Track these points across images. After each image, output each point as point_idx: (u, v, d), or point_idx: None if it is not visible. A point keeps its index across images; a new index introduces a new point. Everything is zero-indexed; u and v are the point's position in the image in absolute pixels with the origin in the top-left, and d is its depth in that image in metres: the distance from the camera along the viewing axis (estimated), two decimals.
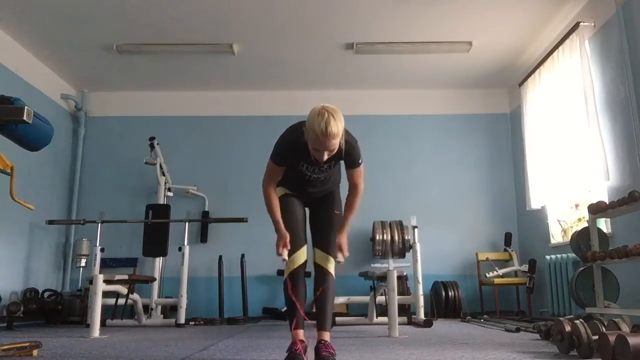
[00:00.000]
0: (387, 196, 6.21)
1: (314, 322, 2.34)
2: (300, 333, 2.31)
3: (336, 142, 2.20)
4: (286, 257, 2.36)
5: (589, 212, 3.89)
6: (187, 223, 5.12)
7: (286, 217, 2.48)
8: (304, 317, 2.33)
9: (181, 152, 6.42)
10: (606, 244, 3.99)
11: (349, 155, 2.40)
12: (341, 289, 5.16)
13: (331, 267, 2.42)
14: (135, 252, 5.83)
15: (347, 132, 2.34)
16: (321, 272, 2.41)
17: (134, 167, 6.19)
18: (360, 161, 2.45)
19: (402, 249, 5.61)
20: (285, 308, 5.68)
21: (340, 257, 2.43)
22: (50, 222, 5.16)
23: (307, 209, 2.64)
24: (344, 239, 2.46)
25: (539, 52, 5.53)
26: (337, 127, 2.16)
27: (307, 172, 2.46)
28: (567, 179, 4.76)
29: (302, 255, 2.42)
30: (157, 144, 5.72)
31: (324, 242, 2.47)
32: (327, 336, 2.31)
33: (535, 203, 5.48)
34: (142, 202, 5.94)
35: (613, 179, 4.22)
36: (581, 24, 4.55)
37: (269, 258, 6.03)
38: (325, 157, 2.23)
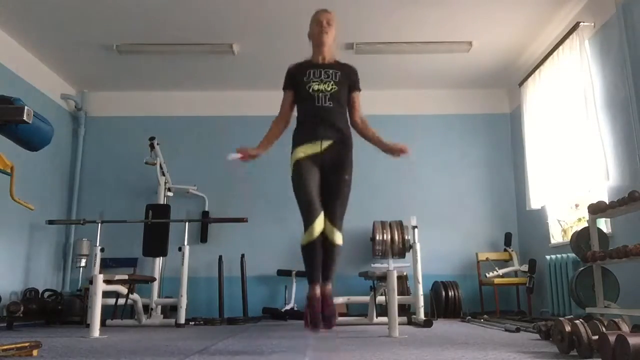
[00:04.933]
0: (387, 195, 6.21)
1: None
2: (318, 289, 2.59)
3: (331, 17, 2.77)
4: (230, 157, 2.62)
5: (589, 212, 3.89)
6: (187, 223, 5.12)
7: (301, 186, 2.59)
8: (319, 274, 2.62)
9: (181, 152, 6.42)
10: (606, 244, 4.00)
11: (352, 72, 2.81)
12: (341, 289, 5.16)
13: (337, 238, 2.60)
14: (135, 252, 5.83)
15: None
16: (329, 246, 2.59)
17: (134, 167, 6.20)
18: (360, 87, 2.85)
19: (402, 249, 5.60)
20: (284, 308, 5.71)
21: (406, 149, 2.67)
22: (50, 222, 5.16)
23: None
24: (392, 143, 2.71)
25: (539, 52, 5.53)
26: (330, 10, 2.79)
27: (315, 86, 2.65)
28: (567, 179, 4.76)
29: (319, 225, 2.54)
30: (157, 144, 5.72)
31: (332, 213, 2.60)
32: (329, 284, 2.63)
33: (535, 203, 5.48)
34: (142, 202, 5.93)
35: (613, 179, 4.22)
36: (581, 24, 4.55)
37: (269, 258, 6.07)
38: (325, 25, 2.72)
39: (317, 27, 2.74)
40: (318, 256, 2.59)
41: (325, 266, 2.62)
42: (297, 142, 2.70)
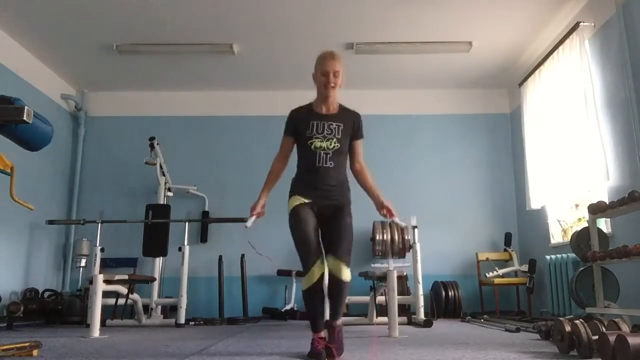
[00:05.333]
0: (387, 196, 6.19)
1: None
2: (321, 334, 2.55)
3: (339, 66, 2.59)
4: (248, 225, 2.59)
5: (589, 212, 3.89)
6: (187, 223, 5.12)
7: (299, 231, 2.56)
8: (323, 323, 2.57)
9: (181, 152, 6.42)
10: (606, 244, 4.00)
11: (356, 120, 2.73)
12: None
13: (344, 274, 2.53)
14: (135, 252, 5.82)
15: None
16: (335, 282, 2.52)
17: (134, 167, 6.19)
18: (362, 134, 2.78)
19: (402, 249, 5.60)
20: (284, 308, 5.70)
21: (398, 220, 2.70)
22: (50, 222, 5.16)
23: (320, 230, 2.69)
24: (387, 201, 2.72)
25: (539, 52, 5.53)
26: (339, 55, 2.63)
27: (318, 143, 2.60)
28: (567, 179, 4.76)
29: (318, 269, 2.50)
30: (157, 144, 5.72)
31: (335, 248, 2.55)
32: (339, 323, 2.56)
33: (535, 203, 5.48)
34: (142, 202, 5.93)
35: (613, 179, 4.22)
36: (581, 24, 4.55)
37: (269, 258, 6.05)
38: (332, 80, 2.57)
39: (324, 79, 2.60)
40: (320, 302, 2.52)
41: (334, 303, 2.55)
42: (295, 191, 2.67)
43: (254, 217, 2.63)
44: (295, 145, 2.73)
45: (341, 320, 2.61)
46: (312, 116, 2.67)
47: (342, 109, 2.75)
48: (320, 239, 2.62)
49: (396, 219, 2.70)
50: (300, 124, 2.66)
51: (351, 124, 2.71)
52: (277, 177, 2.75)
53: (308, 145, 2.62)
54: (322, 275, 2.50)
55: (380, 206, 2.74)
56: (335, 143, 2.63)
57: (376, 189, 2.78)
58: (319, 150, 2.61)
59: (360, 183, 2.81)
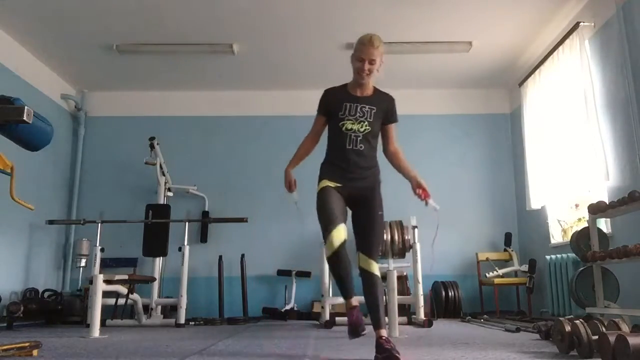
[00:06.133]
0: (387, 196, 6.19)
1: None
2: (354, 300, 2.53)
3: (377, 54, 2.55)
4: (296, 199, 2.65)
5: (589, 212, 3.89)
6: (187, 223, 5.12)
7: (324, 203, 2.53)
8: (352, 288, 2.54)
9: (181, 152, 6.42)
10: (606, 244, 4.00)
11: (389, 104, 2.76)
12: None
13: (375, 269, 2.51)
14: (135, 252, 5.82)
15: None
16: (366, 276, 2.50)
17: (134, 167, 6.19)
18: (397, 118, 2.81)
19: (402, 249, 5.59)
20: (284, 308, 5.69)
21: (432, 203, 2.74)
22: (50, 222, 5.16)
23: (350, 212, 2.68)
24: (423, 182, 2.74)
25: (539, 52, 5.53)
26: (379, 41, 2.56)
27: (349, 125, 2.59)
28: (567, 179, 4.76)
29: (341, 233, 2.46)
30: (157, 144, 5.72)
31: (366, 246, 2.54)
32: (384, 332, 2.43)
33: (535, 203, 5.48)
34: (142, 202, 5.93)
35: (613, 179, 4.22)
36: (581, 24, 4.55)
37: (269, 258, 6.06)
38: (366, 67, 2.55)
39: (359, 65, 2.59)
40: (346, 264, 2.45)
41: (373, 307, 2.46)
42: (325, 175, 2.64)
43: (295, 192, 2.67)
44: (326, 127, 2.72)
45: (386, 329, 2.46)
46: (346, 97, 2.66)
47: (377, 92, 2.73)
48: (352, 225, 2.60)
49: (431, 201, 2.73)
50: (333, 105, 2.66)
51: (384, 108, 2.72)
52: (306, 154, 2.75)
53: (339, 127, 2.61)
54: (345, 241, 2.45)
55: (416, 185, 2.74)
56: (366, 126, 2.62)
57: (412, 170, 2.78)
58: (349, 133, 2.59)
59: (395, 166, 2.80)
